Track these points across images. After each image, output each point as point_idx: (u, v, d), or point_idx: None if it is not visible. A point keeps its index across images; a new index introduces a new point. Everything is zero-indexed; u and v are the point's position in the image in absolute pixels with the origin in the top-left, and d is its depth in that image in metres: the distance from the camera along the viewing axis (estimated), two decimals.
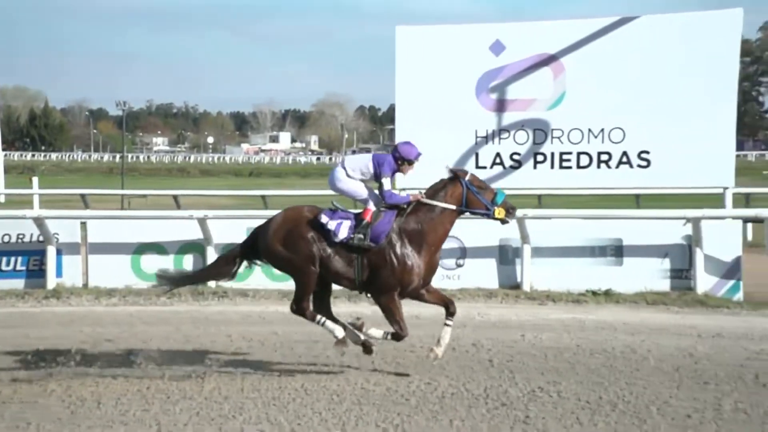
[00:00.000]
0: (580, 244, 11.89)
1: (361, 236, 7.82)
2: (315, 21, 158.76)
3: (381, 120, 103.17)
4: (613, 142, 12.22)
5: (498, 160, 12.65)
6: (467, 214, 8.07)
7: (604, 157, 12.25)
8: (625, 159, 12.19)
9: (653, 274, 11.70)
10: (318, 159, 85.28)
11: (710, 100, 11.87)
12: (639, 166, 12.18)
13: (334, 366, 8.30)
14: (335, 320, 8.08)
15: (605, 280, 11.63)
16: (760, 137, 77.33)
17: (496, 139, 12.63)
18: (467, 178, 8.06)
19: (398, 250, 7.81)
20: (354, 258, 7.88)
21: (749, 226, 13.79)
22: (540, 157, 12.53)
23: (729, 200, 12.36)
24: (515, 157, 12.61)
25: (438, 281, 12.46)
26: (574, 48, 12.38)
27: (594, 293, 11.51)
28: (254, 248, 8.39)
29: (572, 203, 14.89)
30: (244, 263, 8.51)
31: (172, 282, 8.98)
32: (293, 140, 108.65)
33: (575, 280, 11.33)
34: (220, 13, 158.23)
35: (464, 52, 12.75)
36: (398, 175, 8.23)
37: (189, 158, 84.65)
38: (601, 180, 12.48)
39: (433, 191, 8.07)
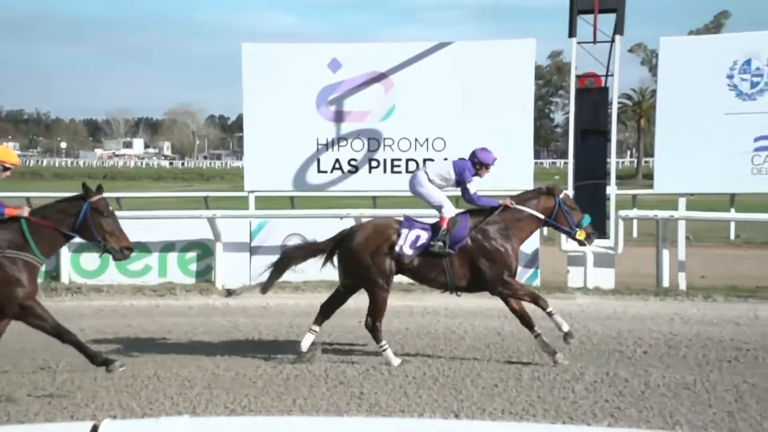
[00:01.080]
0: None
1: (441, 243, 7.59)
2: (166, 36, 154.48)
3: (230, 128, 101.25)
4: (436, 150, 12.48)
5: (337, 165, 12.68)
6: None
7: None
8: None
9: None
10: (171, 164, 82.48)
11: (512, 116, 12.24)
12: None
13: (186, 355, 8.08)
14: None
15: None
16: (552, 148, 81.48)
17: (336, 147, 12.65)
18: (561, 196, 7.97)
19: (488, 245, 7.66)
20: (443, 262, 7.65)
21: None
22: (374, 163, 12.65)
23: None
24: (352, 162, 12.69)
25: (285, 275, 12.43)
26: (402, 67, 12.55)
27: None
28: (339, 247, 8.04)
29: (404, 204, 15.15)
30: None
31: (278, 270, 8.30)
32: (146, 146, 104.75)
33: None
34: (71, 25, 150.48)
35: (305, 68, 12.70)
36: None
37: (42, 162, 79.76)
38: None
39: (524, 200, 7.94)
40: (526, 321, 7.80)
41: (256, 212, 13.04)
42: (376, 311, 7.77)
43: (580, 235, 7.93)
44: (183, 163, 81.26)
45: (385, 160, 12.60)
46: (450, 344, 8.31)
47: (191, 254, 12.53)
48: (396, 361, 7.53)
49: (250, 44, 13.07)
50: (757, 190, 12.12)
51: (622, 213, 12.10)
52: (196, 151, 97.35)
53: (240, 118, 13.26)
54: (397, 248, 7.65)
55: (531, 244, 11.82)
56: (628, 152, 62.55)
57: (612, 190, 12.17)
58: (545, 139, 77.85)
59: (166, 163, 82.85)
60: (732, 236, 17.07)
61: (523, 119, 12.36)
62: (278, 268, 8.22)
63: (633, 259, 12.54)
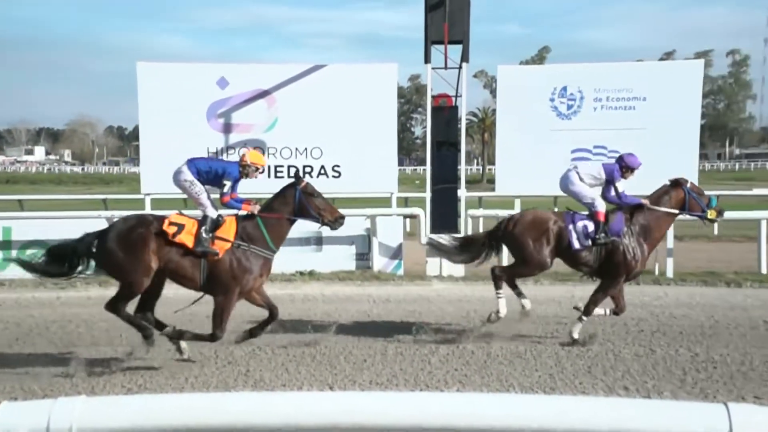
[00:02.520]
0: (290, 235, 11.93)
1: (603, 234, 7.34)
2: (70, 55, 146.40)
3: (128, 137, 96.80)
4: (314, 158, 12.49)
5: None
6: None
7: (308, 169, 12.44)
8: (323, 171, 12.51)
9: (344, 258, 11.95)
10: (71, 170, 77.93)
11: (379, 129, 12.42)
12: (333, 176, 12.54)
13: (86, 341, 7.76)
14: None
15: (310, 264, 11.71)
16: (413, 156, 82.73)
17: (225, 155, 12.40)
18: (688, 185, 7.66)
19: (628, 243, 7.41)
20: (594, 250, 7.43)
21: (407, 221, 14.68)
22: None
23: (394, 202, 13.10)
24: None
25: None
26: (284, 85, 12.47)
27: (301, 273, 11.60)
28: (497, 238, 7.92)
29: None
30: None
31: (445, 251, 8.34)
32: (48, 153, 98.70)
33: (287, 264, 11.42)
34: None
35: (196, 85, 12.41)
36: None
37: None
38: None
39: (657, 196, 7.66)
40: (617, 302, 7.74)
41: (153, 212, 12.60)
42: (519, 273, 7.80)
43: (712, 215, 7.73)
44: (83, 169, 76.99)
45: (269, 167, 12.42)
46: (327, 327, 8.30)
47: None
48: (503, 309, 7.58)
49: (144, 63, 12.65)
50: None
51: (471, 212, 12.43)
52: (95, 158, 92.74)
53: (137, 129, 12.76)
54: (571, 238, 7.50)
55: (396, 239, 12.07)
56: (475, 161, 64.34)
57: (462, 192, 12.51)
58: (407, 149, 78.96)
59: (67, 169, 78.39)
60: None
61: (387, 132, 12.52)
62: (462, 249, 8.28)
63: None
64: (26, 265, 7.17)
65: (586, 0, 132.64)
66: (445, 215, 12.19)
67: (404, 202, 17.61)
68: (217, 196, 7.10)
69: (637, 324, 8.35)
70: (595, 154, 12.23)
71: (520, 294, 7.70)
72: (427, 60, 12.36)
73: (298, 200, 6.88)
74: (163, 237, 6.62)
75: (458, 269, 12.09)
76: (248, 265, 6.70)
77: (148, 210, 12.73)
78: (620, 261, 7.40)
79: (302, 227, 12.12)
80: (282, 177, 12.46)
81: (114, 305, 6.79)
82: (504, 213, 12.36)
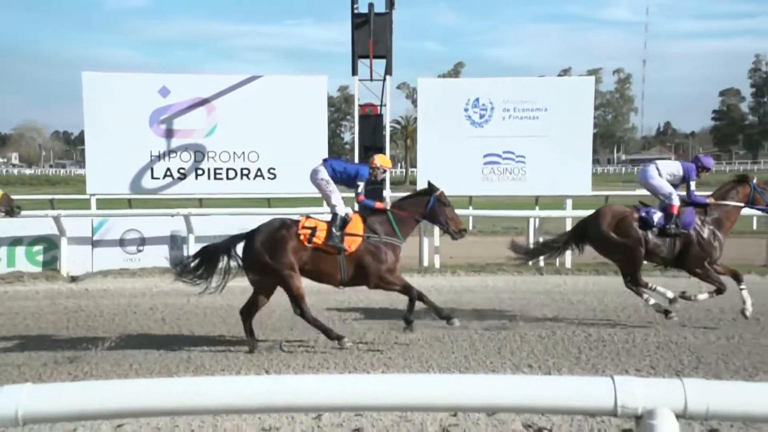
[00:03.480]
0: (230, 232, 11.70)
1: (674, 225, 7.24)
2: (16, 63, 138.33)
3: (74, 141, 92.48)
4: (251, 161, 12.28)
5: (168, 173, 12.11)
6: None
7: (246, 172, 12.24)
8: (259, 173, 12.29)
9: None
10: (18, 171, 74.06)
11: (311, 134, 12.21)
12: (269, 178, 12.34)
13: (34, 333, 7.42)
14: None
15: None
16: (342, 159, 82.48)
17: (167, 158, 12.08)
18: (754, 180, 7.58)
19: (704, 235, 7.35)
20: (667, 241, 7.30)
21: None
22: (200, 171, 12.21)
23: None
24: (181, 171, 12.17)
25: (121, 263, 11.70)
26: (222, 94, 12.21)
27: None
28: (582, 236, 7.82)
29: (225, 204, 14.72)
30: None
31: (528, 254, 8.31)
32: None
33: None
34: None
35: (139, 94, 12.04)
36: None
37: None
38: (244, 188, 12.46)
39: (724, 191, 7.58)
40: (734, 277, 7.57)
41: (97, 212, 12.25)
42: (630, 270, 7.62)
43: None
44: (31, 171, 73.39)
45: (209, 169, 12.22)
46: (267, 319, 8.14)
47: (38, 247, 11.57)
48: (669, 294, 7.44)
49: (89, 73, 12.17)
50: (486, 192, 13.00)
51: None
52: (42, 161, 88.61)
53: (82, 134, 12.29)
54: (654, 227, 7.39)
55: None
56: (399, 164, 64.71)
57: (387, 192, 12.55)
58: (337, 153, 78.33)
59: (15, 171, 74.62)
60: (471, 227, 18.20)
61: (319, 137, 12.40)
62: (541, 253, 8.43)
63: (404, 246, 12.93)
64: (182, 265, 6.93)
65: (496, 21, 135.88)
66: (372, 213, 12.21)
67: None
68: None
69: (540, 309, 8.58)
70: (504, 159, 12.50)
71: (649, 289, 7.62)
72: (354, 72, 12.38)
73: (432, 206, 6.97)
74: (299, 240, 6.63)
75: None
76: (383, 251, 6.79)
77: (93, 209, 12.31)
78: (696, 251, 7.38)
79: (242, 223, 12.09)
80: (221, 179, 12.25)
81: (294, 307, 6.76)
82: None
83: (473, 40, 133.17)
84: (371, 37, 12.05)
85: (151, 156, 12.07)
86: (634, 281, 7.58)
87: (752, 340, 6.91)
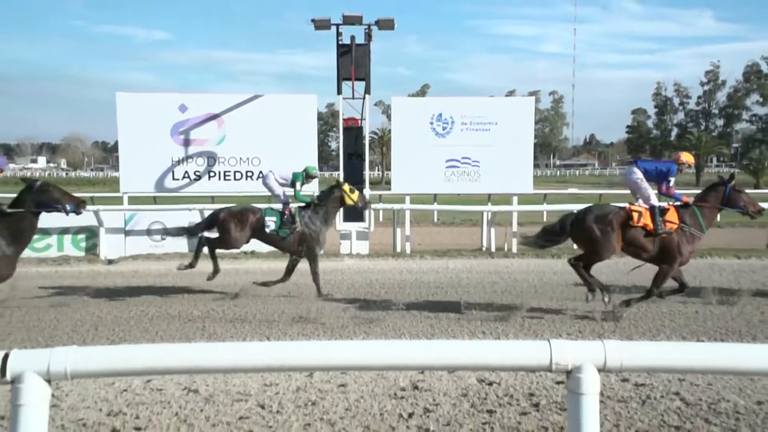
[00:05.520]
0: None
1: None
2: (57, 84, 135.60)
3: (110, 150, 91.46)
4: (254, 165, 12.15)
5: (186, 175, 11.95)
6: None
7: (250, 174, 12.10)
8: (261, 175, 12.05)
9: None
10: (66, 174, 73.11)
11: (303, 143, 11.98)
12: None
13: (78, 304, 7.18)
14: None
15: (252, 245, 11.10)
16: (330, 164, 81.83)
17: (185, 163, 11.91)
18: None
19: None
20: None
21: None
22: (212, 174, 12.05)
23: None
24: (197, 173, 12.01)
25: (148, 249, 11.53)
26: (230, 110, 12.05)
27: (245, 253, 11.10)
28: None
29: (233, 200, 14.55)
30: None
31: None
32: (48, 162, 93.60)
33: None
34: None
35: (162, 110, 11.84)
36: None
37: None
38: (248, 187, 12.26)
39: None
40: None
41: (129, 207, 12.13)
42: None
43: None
44: (75, 174, 72.43)
45: (219, 172, 12.06)
46: (261, 294, 8.03)
47: (81, 236, 11.59)
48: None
49: (122, 93, 11.99)
50: (448, 191, 12.97)
51: (373, 206, 12.43)
52: (84, 166, 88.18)
53: (117, 143, 12.14)
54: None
55: None
56: (376, 168, 64.56)
57: (367, 191, 12.51)
58: (325, 159, 77.95)
59: (63, 174, 74.00)
60: (435, 219, 18.31)
61: (309, 146, 12.27)
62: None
63: (379, 235, 12.81)
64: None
65: (456, 52, 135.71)
66: (354, 208, 12.14)
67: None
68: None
69: (491, 286, 8.63)
70: (463, 163, 12.52)
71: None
72: (339, 92, 12.30)
73: (728, 194, 6.70)
74: (627, 222, 6.55)
75: (363, 249, 12.13)
76: (688, 243, 6.59)
77: (125, 205, 12.17)
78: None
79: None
80: (229, 180, 12.14)
81: (576, 265, 6.79)
82: (397, 206, 12.53)
83: (437, 66, 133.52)
84: (353, 63, 12.02)
85: (172, 161, 11.92)
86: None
87: (655, 308, 7.04)
